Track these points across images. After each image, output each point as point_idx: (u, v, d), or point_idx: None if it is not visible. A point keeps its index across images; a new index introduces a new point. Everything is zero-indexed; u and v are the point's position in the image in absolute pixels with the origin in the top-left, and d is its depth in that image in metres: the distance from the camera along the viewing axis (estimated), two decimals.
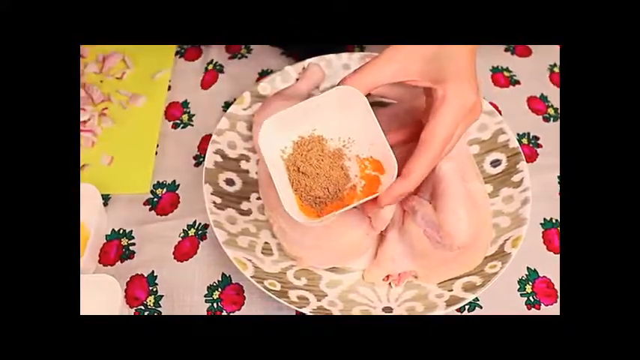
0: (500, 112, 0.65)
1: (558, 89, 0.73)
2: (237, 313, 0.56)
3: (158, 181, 0.65)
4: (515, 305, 0.56)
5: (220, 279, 0.58)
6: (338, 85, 0.47)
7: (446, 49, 0.46)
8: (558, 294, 0.57)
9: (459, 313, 0.56)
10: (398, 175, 0.45)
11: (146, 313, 0.56)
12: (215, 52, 0.75)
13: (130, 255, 0.59)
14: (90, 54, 0.74)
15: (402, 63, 0.46)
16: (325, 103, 0.46)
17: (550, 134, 0.68)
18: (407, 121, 0.51)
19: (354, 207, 0.46)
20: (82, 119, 0.67)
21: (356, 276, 0.56)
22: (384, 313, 0.52)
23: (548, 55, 0.76)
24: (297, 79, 0.66)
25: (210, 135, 0.62)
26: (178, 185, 0.64)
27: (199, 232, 0.60)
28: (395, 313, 0.52)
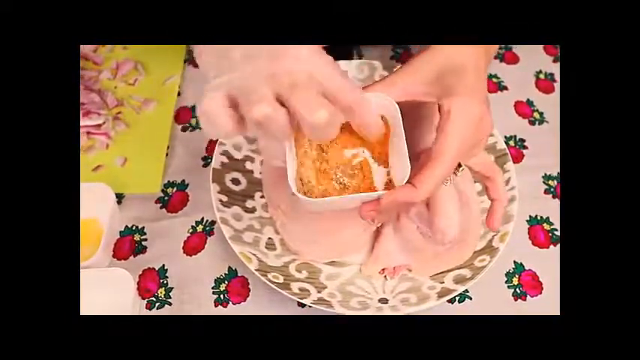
0: None
1: (544, 95, 0.73)
2: (242, 304, 0.56)
3: (168, 181, 0.65)
4: (502, 296, 0.57)
5: (227, 272, 0.58)
6: None
7: (449, 69, 0.44)
8: (543, 286, 0.57)
9: (450, 304, 0.56)
10: (408, 183, 0.43)
11: (157, 305, 0.56)
12: None
13: (142, 250, 0.60)
14: (104, 61, 0.74)
15: (405, 88, 0.45)
16: None
17: (535, 137, 0.69)
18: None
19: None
20: (96, 123, 0.67)
21: (354, 269, 0.56)
22: (380, 304, 0.52)
23: (534, 62, 0.76)
24: None
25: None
26: (187, 184, 0.64)
27: (207, 229, 0.60)
28: (390, 304, 0.52)
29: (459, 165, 0.47)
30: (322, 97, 0.37)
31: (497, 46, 0.50)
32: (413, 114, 0.48)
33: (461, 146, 0.43)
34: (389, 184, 0.46)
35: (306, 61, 0.36)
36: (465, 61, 0.45)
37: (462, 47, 0.46)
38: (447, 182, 0.47)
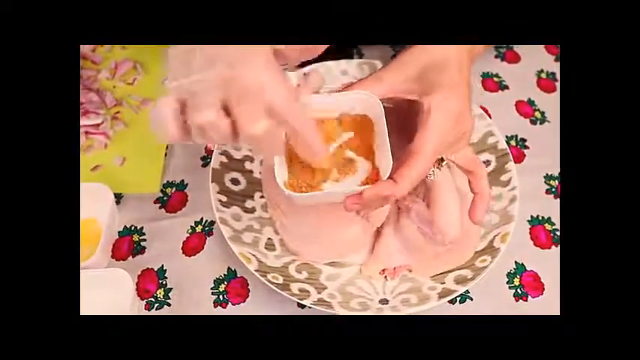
0: (489, 116, 0.65)
1: (545, 94, 0.73)
2: (241, 304, 0.56)
3: (167, 181, 0.65)
4: (504, 297, 0.57)
5: (226, 273, 0.58)
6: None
7: (432, 65, 0.46)
8: (544, 287, 0.57)
9: (451, 305, 0.56)
10: (390, 178, 0.44)
11: (156, 305, 0.56)
12: None
13: (141, 250, 0.60)
14: (103, 60, 0.74)
15: (390, 85, 0.47)
16: (344, 101, 0.47)
17: (537, 136, 0.69)
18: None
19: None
20: (95, 122, 0.68)
21: (354, 270, 0.57)
22: (380, 305, 0.53)
23: (535, 61, 0.77)
24: (299, 85, 0.67)
25: None
26: (187, 184, 0.65)
27: (206, 229, 0.61)
28: (391, 304, 0.53)
29: (442, 159, 0.48)
30: (266, 111, 0.38)
31: (480, 46, 0.51)
32: (408, 110, 0.49)
33: (440, 142, 0.45)
34: (375, 178, 0.47)
35: (258, 74, 0.37)
36: (448, 57, 0.46)
37: (446, 45, 0.47)
38: (430, 176, 0.49)
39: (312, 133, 0.42)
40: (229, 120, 0.38)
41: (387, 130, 0.45)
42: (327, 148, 0.46)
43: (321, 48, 0.43)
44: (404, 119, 0.48)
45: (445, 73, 0.46)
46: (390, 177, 0.44)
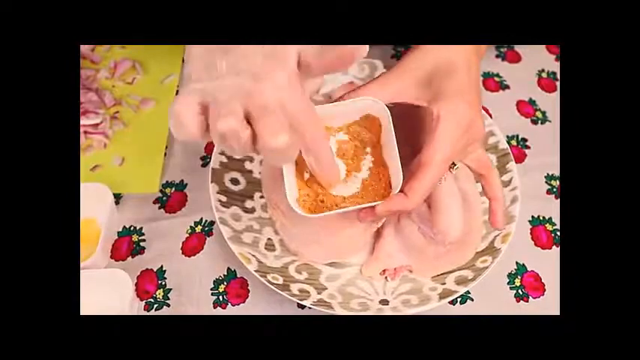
0: (490, 115, 0.66)
1: (546, 94, 0.74)
2: (241, 305, 0.56)
3: (167, 181, 0.65)
4: (505, 298, 0.57)
5: (226, 273, 0.58)
6: (334, 101, 0.48)
7: (439, 70, 0.45)
8: (545, 287, 0.58)
9: (451, 306, 0.56)
10: (401, 191, 0.45)
11: (155, 306, 0.56)
12: None
13: (141, 250, 0.60)
14: (102, 60, 0.75)
15: (398, 90, 0.46)
16: (351, 110, 0.47)
17: (538, 136, 0.69)
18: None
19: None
20: (94, 122, 0.68)
21: (354, 270, 0.57)
22: (381, 306, 0.53)
23: (536, 61, 0.77)
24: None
25: None
26: (186, 184, 0.65)
27: (206, 229, 0.61)
28: (391, 305, 0.53)
29: (454, 163, 0.48)
30: (287, 125, 0.38)
31: (486, 45, 0.51)
32: (414, 113, 0.49)
33: (450, 151, 0.44)
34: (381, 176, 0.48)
35: (282, 88, 0.37)
36: (455, 60, 0.46)
37: (453, 46, 0.46)
38: (442, 181, 0.49)
39: (327, 153, 0.42)
40: (250, 131, 0.37)
41: (394, 135, 0.45)
42: (338, 170, 0.46)
43: (349, 64, 0.42)
44: (407, 124, 0.48)
45: (453, 78, 0.45)
46: (401, 190, 0.44)
